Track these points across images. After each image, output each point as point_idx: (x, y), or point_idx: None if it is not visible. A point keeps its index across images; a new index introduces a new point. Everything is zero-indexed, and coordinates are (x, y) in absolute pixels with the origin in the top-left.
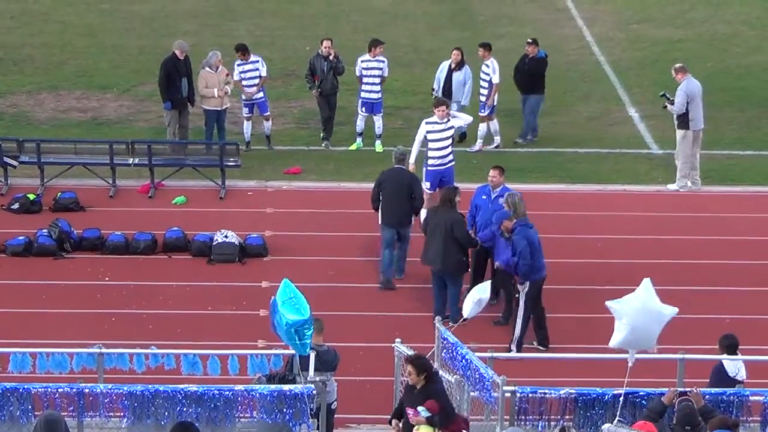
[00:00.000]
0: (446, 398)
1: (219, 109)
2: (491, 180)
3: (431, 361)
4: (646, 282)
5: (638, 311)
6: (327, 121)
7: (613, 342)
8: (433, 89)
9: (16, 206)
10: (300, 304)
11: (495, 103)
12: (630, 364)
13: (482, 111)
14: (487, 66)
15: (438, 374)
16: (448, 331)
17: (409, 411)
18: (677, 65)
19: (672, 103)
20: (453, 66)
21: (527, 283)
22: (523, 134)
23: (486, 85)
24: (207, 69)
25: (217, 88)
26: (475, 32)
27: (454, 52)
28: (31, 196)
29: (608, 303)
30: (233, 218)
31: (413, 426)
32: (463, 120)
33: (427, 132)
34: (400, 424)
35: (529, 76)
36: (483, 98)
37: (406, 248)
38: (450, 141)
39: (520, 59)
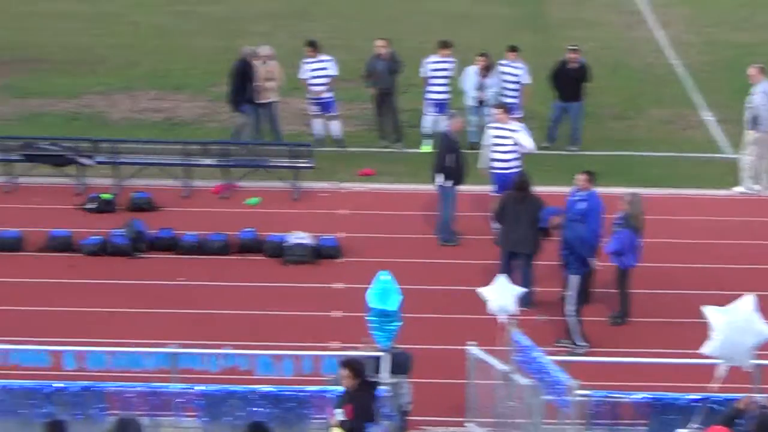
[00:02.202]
0: (367, 410)
1: (258, 102)
2: (576, 183)
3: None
4: (749, 298)
5: (733, 325)
6: (387, 122)
7: (706, 349)
8: (498, 97)
9: (91, 206)
10: (390, 296)
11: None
12: (718, 375)
13: (515, 113)
14: (517, 68)
15: (373, 384)
16: (521, 334)
17: (330, 411)
18: (756, 65)
19: None
20: (483, 72)
21: (578, 277)
22: (575, 140)
23: (513, 86)
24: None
25: (259, 82)
26: (546, 35)
27: (482, 58)
28: (106, 196)
29: (706, 310)
30: (307, 219)
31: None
32: (527, 144)
33: (491, 136)
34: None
35: (575, 82)
36: (513, 100)
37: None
38: (514, 147)
39: (559, 65)
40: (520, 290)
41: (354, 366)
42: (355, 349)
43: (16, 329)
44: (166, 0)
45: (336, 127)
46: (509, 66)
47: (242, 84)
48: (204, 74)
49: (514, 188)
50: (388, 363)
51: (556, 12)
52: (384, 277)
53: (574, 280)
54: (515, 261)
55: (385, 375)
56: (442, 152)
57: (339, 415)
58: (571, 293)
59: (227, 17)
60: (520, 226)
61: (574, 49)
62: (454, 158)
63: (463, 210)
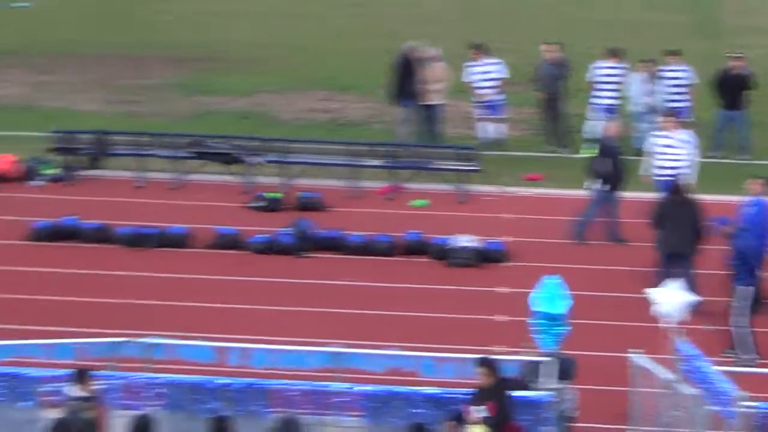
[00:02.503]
0: (508, 405)
1: (421, 103)
2: (748, 188)
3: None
4: None
5: None
6: (555, 127)
7: None
8: (665, 102)
9: (258, 204)
10: (556, 299)
11: None
12: None
13: (686, 116)
14: (679, 70)
15: (507, 381)
16: (686, 342)
17: (468, 409)
18: None
19: None
20: (649, 78)
21: (747, 288)
22: (743, 149)
23: (677, 90)
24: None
25: (421, 83)
26: (716, 42)
27: (648, 64)
28: (275, 195)
29: None
30: (472, 222)
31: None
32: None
33: (656, 144)
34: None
35: (738, 90)
36: (680, 104)
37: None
38: (684, 156)
39: (722, 73)
40: (692, 298)
41: (492, 364)
42: (518, 353)
43: (183, 324)
44: (337, 2)
45: (501, 130)
46: (671, 71)
47: (403, 80)
48: (372, 76)
49: (671, 192)
50: (554, 367)
51: (728, 19)
52: (552, 280)
53: (743, 291)
54: (674, 268)
55: (549, 380)
56: (597, 156)
57: (481, 412)
58: (740, 304)
59: (396, 19)
60: (680, 228)
61: (737, 57)
62: (609, 163)
63: (627, 216)
